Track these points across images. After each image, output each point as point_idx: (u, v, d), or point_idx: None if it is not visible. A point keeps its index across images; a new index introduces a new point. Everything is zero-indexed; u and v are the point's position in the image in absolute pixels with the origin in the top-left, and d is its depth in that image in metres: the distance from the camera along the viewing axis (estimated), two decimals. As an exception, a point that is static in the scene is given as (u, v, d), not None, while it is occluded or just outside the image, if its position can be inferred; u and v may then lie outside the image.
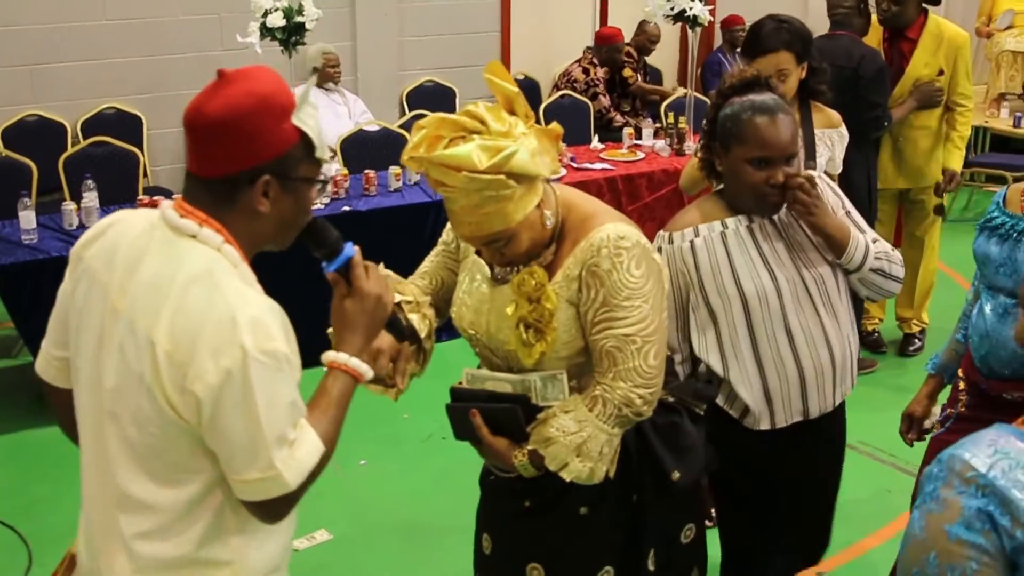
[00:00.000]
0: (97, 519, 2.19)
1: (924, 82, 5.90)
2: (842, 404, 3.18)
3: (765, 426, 3.01)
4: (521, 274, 2.55)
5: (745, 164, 2.89)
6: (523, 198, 2.44)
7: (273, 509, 2.05)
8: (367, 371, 2.21)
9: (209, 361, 1.92)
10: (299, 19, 5.85)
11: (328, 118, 7.92)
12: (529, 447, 2.56)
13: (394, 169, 6.60)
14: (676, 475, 2.67)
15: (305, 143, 2.06)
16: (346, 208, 6.29)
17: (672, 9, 7.04)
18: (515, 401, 2.59)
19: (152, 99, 8.11)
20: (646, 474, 2.67)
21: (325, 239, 2.20)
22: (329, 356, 2.19)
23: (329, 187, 6.35)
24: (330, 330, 2.27)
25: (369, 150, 7.29)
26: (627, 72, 9.20)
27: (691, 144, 7.60)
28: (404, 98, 8.99)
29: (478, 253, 2.66)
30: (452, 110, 7.79)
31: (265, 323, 1.96)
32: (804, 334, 2.97)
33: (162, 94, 8.04)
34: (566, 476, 2.51)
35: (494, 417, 2.60)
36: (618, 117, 9.01)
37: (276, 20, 5.80)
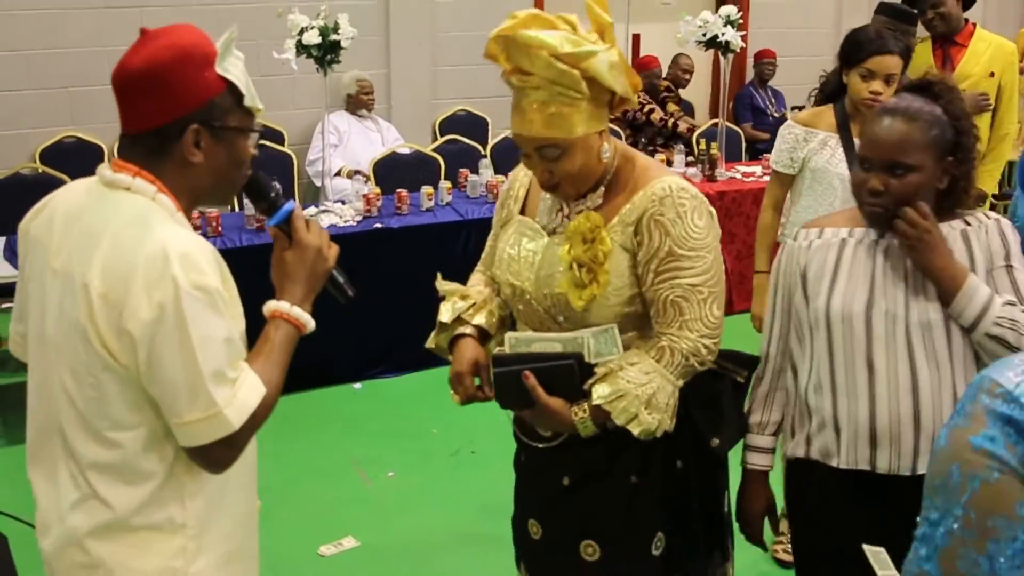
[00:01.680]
0: (41, 471, 2.19)
1: (971, 90, 5.86)
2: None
3: (832, 462, 2.67)
4: (578, 218, 2.57)
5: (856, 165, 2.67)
6: (589, 113, 2.47)
7: (218, 454, 2.05)
8: (308, 321, 2.22)
9: (142, 296, 1.94)
10: (335, 37, 5.89)
11: (361, 144, 8.02)
12: (592, 403, 2.51)
13: (426, 189, 6.63)
14: (715, 442, 2.67)
15: (232, 92, 2.10)
16: (378, 225, 6.32)
17: (704, 35, 7.05)
18: (568, 359, 2.54)
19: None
20: (688, 440, 2.66)
21: (265, 194, 2.25)
22: (271, 305, 2.20)
23: (361, 205, 6.40)
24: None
25: (402, 172, 7.34)
26: (672, 108, 9.18)
27: (723, 171, 7.61)
28: (437, 126, 9.05)
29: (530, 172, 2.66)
30: (485, 141, 7.87)
31: (196, 258, 1.98)
32: (888, 375, 2.58)
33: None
34: (635, 429, 2.48)
35: (547, 377, 2.53)
36: (682, 121, 9.04)
37: (312, 38, 5.85)
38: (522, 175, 2.83)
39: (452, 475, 5.19)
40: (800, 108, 9.18)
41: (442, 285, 2.89)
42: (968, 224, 2.62)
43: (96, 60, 7.68)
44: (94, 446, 2.06)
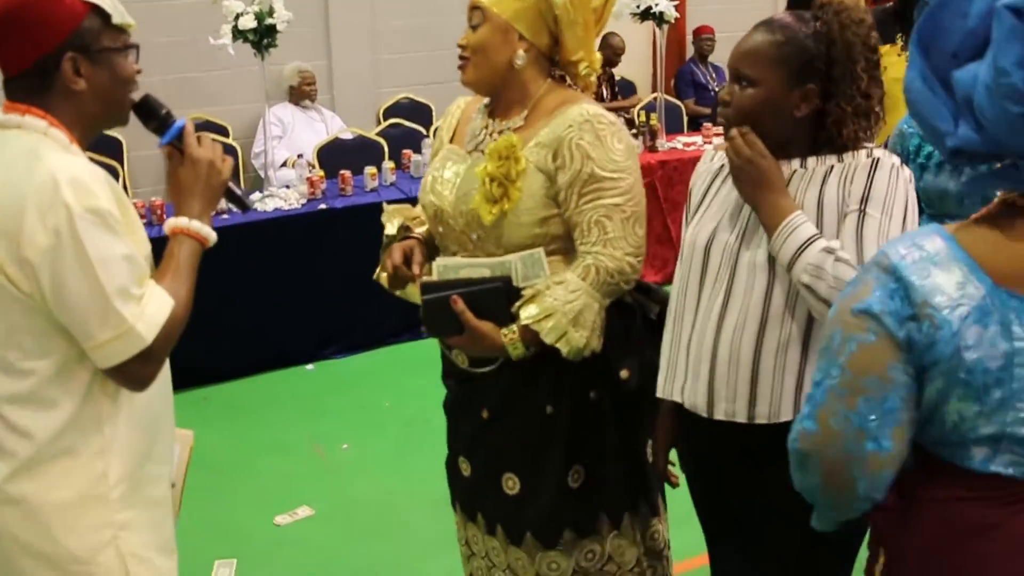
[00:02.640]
0: None
1: None
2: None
3: (665, 392, 2.60)
4: (498, 139, 2.65)
5: None
6: (524, 9, 2.62)
7: (136, 371, 2.09)
8: (210, 234, 2.26)
9: (37, 224, 1.98)
10: (270, 21, 5.93)
11: (306, 134, 8.06)
12: (521, 323, 2.57)
13: (370, 170, 6.68)
14: (624, 373, 2.69)
15: (98, 14, 2.13)
16: (323, 207, 6.35)
17: (638, 7, 7.12)
18: (496, 282, 2.59)
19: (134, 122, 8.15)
20: (599, 371, 2.69)
21: (155, 113, 2.29)
22: (171, 223, 2.24)
23: (305, 188, 6.43)
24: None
25: (346, 156, 7.36)
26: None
27: (663, 142, 7.69)
28: (380, 114, 9.08)
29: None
30: (429, 126, 7.89)
31: (86, 182, 2.02)
32: (704, 310, 2.46)
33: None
34: (563, 348, 2.54)
35: (475, 302, 2.57)
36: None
37: (248, 22, 5.89)
38: (454, 108, 2.92)
39: (406, 444, 5.23)
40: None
41: (387, 207, 2.97)
42: (840, 161, 2.39)
43: None
44: (7, 380, 2.10)
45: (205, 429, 5.21)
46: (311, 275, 6.28)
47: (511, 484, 2.79)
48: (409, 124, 8.43)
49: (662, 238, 7.45)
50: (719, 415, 2.44)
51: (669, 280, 7.63)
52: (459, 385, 2.88)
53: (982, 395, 1.61)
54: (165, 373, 2.30)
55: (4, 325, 2.08)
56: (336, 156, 7.47)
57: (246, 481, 4.93)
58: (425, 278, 2.73)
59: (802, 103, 2.36)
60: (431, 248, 2.86)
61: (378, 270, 2.92)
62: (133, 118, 2.30)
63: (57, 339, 2.08)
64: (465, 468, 2.92)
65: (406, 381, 5.93)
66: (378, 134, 8.09)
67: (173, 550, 2.37)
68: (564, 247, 2.66)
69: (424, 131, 8.25)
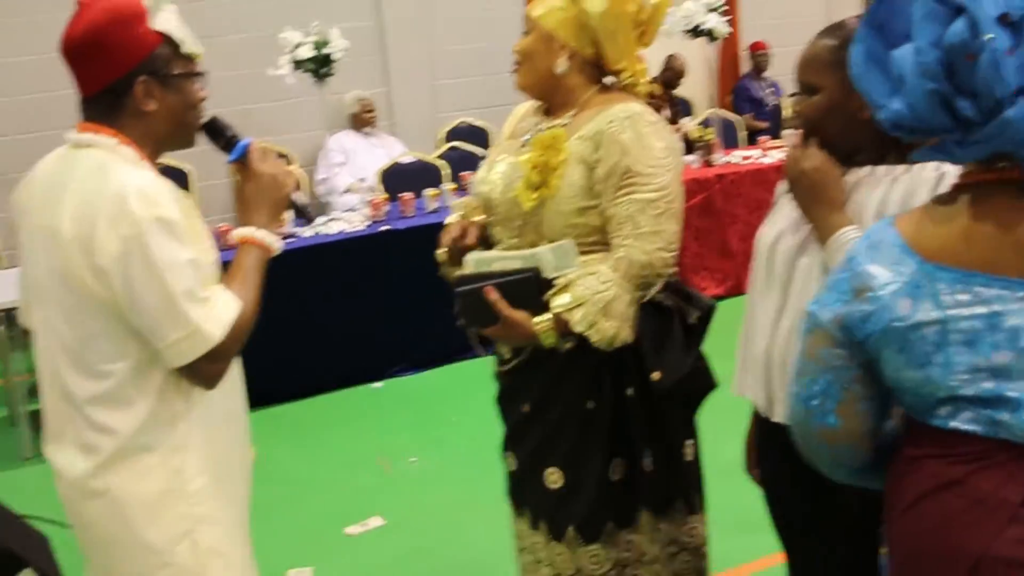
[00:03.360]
0: (52, 429, 2.36)
1: None
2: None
3: (739, 390, 2.63)
4: (545, 131, 2.77)
5: None
6: (571, 22, 2.74)
7: (206, 369, 2.22)
8: (274, 242, 2.38)
9: (109, 233, 2.12)
10: (327, 50, 6.10)
11: (368, 160, 8.22)
12: (552, 312, 2.63)
13: (430, 191, 6.82)
14: (656, 375, 2.72)
15: (169, 43, 2.28)
16: (385, 227, 6.51)
17: (688, 24, 7.23)
18: (527, 272, 2.65)
19: (201, 152, 8.36)
20: (633, 369, 2.75)
21: (222, 133, 2.44)
22: (237, 232, 2.37)
23: (368, 211, 6.59)
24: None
25: (407, 179, 7.54)
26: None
27: (720, 156, 7.76)
28: (440, 139, 9.24)
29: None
30: (487, 148, 8.05)
31: (152, 193, 2.16)
32: (763, 311, 2.48)
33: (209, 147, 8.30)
34: (593, 337, 2.60)
35: (509, 291, 2.64)
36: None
37: (305, 52, 6.07)
38: (517, 109, 3.05)
39: (472, 458, 5.31)
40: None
41: (453, 204, 3.11)
42: (908, 172, 2.32)
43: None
44: (88, 381, 2.24)
45: (277, 445, 5.40)
46: (376, 295, 6.43)
47: (554, 478, 2.85)
48: (468, 147, 8.58)
49: (722, 251, 7.52)
50: (776, 416, 2.46)
51: (730, 292, 7.70)
52: (505, 377, 2.97)
53: (924, 362, 1.74)
54: (237, 378, 2.44)
55: (84, 330, 2.22)
56: (398, 180, 7.64)
57: (318, 494, 5.05)
58: (459, 272, 2.82)
59: (863, 106, 2.20)
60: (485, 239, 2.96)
61: (438, 250, 3.00)
62: (198, 141, 2.44)
63: (132, 342, 2.21)
64: (511, 462, 3.00)
65: (471, 397, 5.99)
66: (438, 157, 8.26)
67: (248, 546, 2.49)
68: (603, 240, 2.72)
69: (483, 153, 8.39)
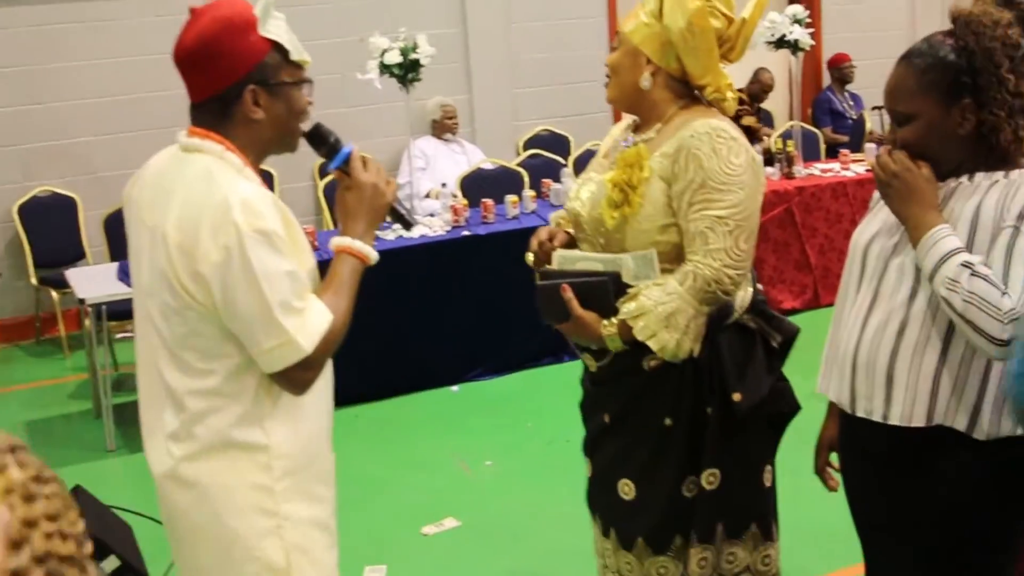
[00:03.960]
0: (146, 418, 2.45)
1: None
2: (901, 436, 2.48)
3: (822, 388, 2.69)
4: (629, 148, 2.82)
5: None
6: (649, 35, 2.80)
7: (296, 377, 2.29)
8: (371, 252, 2.44)
9: (210, 241, 2.19)
10: (414, 56, 6.20)
11: (448, 166, 8.31)
12: (619, 318, 2.71)
13: (511, 198, 6.88)
14: (737, 396, 2.75)
15: (279, 50, 2.33)
16: (466, 233, 6.59)
17: (773, 35, 7.23)
18: (605, 276, 2.74)
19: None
20: (715, 389, 2.78)
21: (325, 140, 2.48)
22: (335, 241, 2.42)
23: (449, 216, 6.67)
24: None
25: (487, 186, 7.63)
26: (748, 121, 9.31)
27: (800, 168, 7.75)
28: (520, 146, 9.32)
29: None
30: (567, 156, 8.14)
31: (255, 205, 2.22)
32: (855, 310, 2.54)
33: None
34: (654, 345, 2.66)
35: (584, 292, 2.73)
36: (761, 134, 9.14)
37: (393, 57, 6.16)
38: (614, 130, 3.11)
39: (548, 462, 5.38)
40: (881, 108, 9.30)
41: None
42: (1007, 177, 2.39)
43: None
44: (186, 378, 2.32)
45: (355, 445, 5.49)
46: (455, 300, 6.51)
47: (627, 490, 2.90)
48: (548, 154, 8.64)
49: (800, 264, 7.50)
50: (859, 412, 2.51)
51: (808, 306, 7.66)
52: (591, 387, 3.03)
53: None
54: (327, 382, 2.50)
55: (183, 330, 2.30)
56: (478, 185, 7.73)
57: (394, 493, 5.14)
58: (544, 268, 2.91)
59: (963, 120, 2.38)
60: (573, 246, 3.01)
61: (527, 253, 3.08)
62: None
63: (228, 345, 2.29)
64: (589, 468, 3.07)
65: (547, 403, 6.10)
66: (518, 164, 8.33)
67: (335, 547, 2.55)
68: (679, 256, 2.77)
69: (563, 161, 8.44)
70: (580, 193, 2.95)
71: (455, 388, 6.55)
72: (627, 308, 2.69)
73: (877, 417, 2.48)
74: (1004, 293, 2.26)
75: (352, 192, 2.45)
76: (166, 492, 2.42)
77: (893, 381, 2.44)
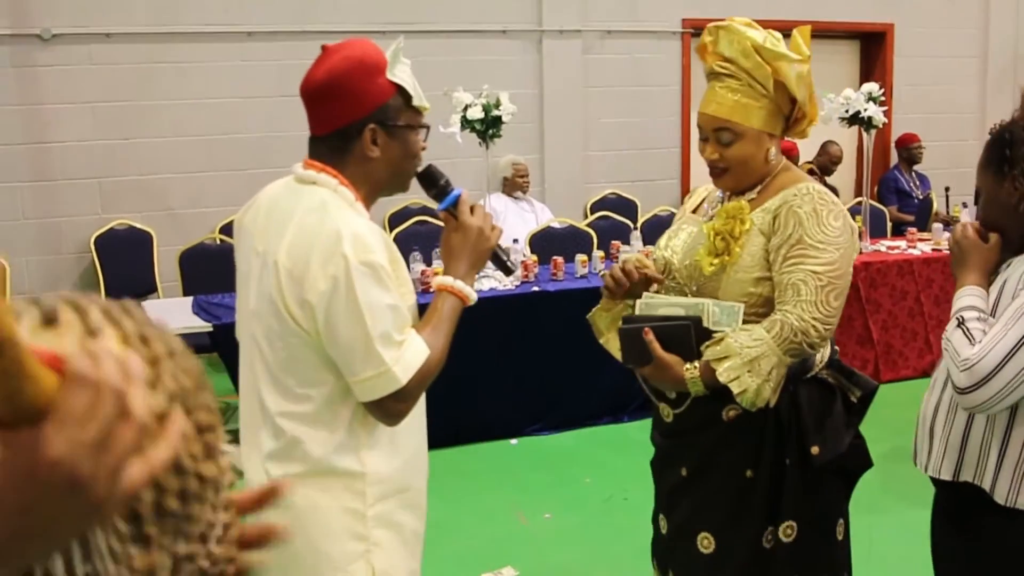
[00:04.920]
0: (246, 435, 2.52)
1: None
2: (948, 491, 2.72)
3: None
4: (730, 202, 2.89)
5: None
6: (769, 112, 2.84)
7: (391, 407, 2.36)
8: (471, 293, 2.53)
9: (319, 270, 2.27)
10: (496, 113, 6.32)
11: (517, 223, 8.40)
12: (703, 360, 2.75)
13: (581, 257, 6.98)
14: (816, 449, 2.79)
15: (402, 94, 2.43)
16: (535, 289, 6.69)
17: (847, 112, 7.29)
18: (687, 320, 2.79)
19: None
20: (794, 441, 2.82)
21: (436, 182, 2.57)
22: (438, 280, 2.52)
23: (519, 271, 6.77)
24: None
25: (556, 244, 7.73)
26: None
27: (867, 244, 7.79)
28: (588, 208, 9.43)
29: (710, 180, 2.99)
30: (635, 220, 8.20)
31: (364, 238, 2.30)
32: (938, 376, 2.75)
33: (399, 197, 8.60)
34: (735, 388, 2.68)
35: (666, 335, 2.78)
36: None
37: (475, 113, 6.29)
38: (700, 190, 3.17)
39: (606, 518, 5.42)
40: (947, 189, 9.34)
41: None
42: None
43: (271, 144, 8.29)
44: (286, 402, 2.40)
45: (419, 489, 5.53)
46: (520, 354, 6.58)
47: (706, 543, 2.93)
48: (617, 217, 8.75)
49: (863, 339, 7.52)
50: (917, 463, 2.70)
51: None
52: (664, 440, 3.07)
53: None
54: (421, 416, 2.59)
55: (285, 354, 2.39)
56: (547, 243, 7.82)
57: (454, 540, 5.18)
58: (626, 313, 2.97)
59: (1013, 191, 2.52)
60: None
61: (599, 306, 3.11)
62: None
63: (327, 373, 2.37)
64: (663, 525, 3.09)
65: (605, 460, 6.14)
66: (587, 225, 8.42)
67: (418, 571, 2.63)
68: (769, 310, 2.82)
69: (631, 224, 8.53)
70: (671, 243, 3.01)
71: (514, 441, 6.62)
72: (712, 351, 2.74)
73: (920, 467, 2.67)
74: (973, 343, 2.42)
75: (458, 234, 2.53)
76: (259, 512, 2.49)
77: (933, 434, 2.62)
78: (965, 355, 2.40)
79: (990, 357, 2.36)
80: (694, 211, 3.12)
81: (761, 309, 2.82)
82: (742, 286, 2.81)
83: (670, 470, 3.04)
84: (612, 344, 3.07)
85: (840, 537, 2.99)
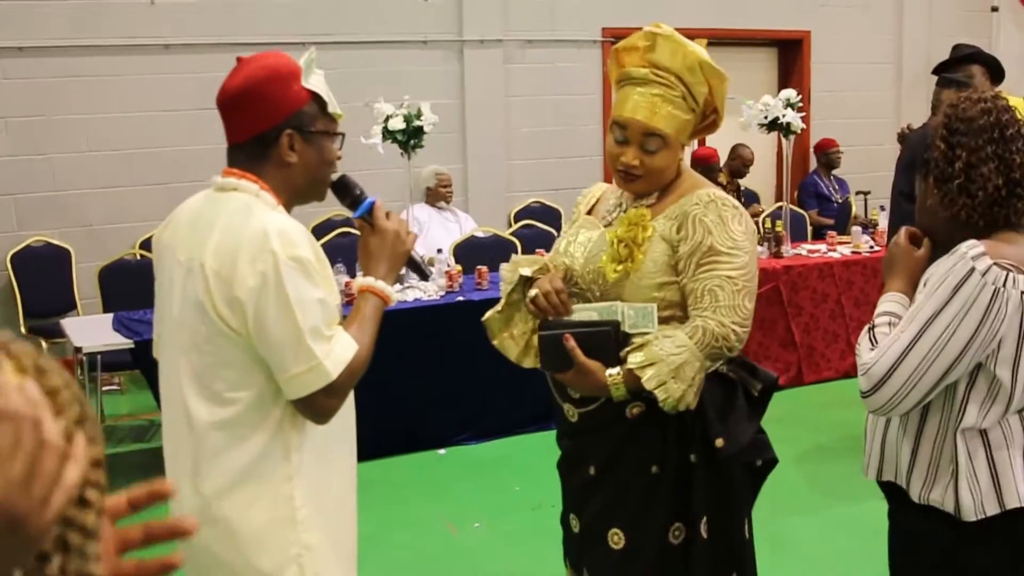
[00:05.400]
0: (170, 450, 2.53)
1: None
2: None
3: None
4: (631, 210, 2.91)
5: None
6: (692, 125, 2.90)
7: (321, 404, 2.37)
8: (392, 293, 2.56)
9: (248, 267, 2.30)
10: (418, 123, 6.32)
11: (441, 234, 8.40)
12: (626, 367, 2.77)
13: (506, 265, 6.95)
14: (720, 442, 2.82)
15: (317, 101, 2.47)
16: (460, 298, 6.68)
17: (766, 118, 7.39)
18: (606, 326, 2.82)
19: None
20: (698, 436, 2.85)
21: (350, 191, 2.60)
22: (359, 281, 2.56)
23: (444, 281, 6.76)
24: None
25: (481, 253, 7.73)
26: None
27: (788, 248, 7.89)
28: (512, 217, 9.45)
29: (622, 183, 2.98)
30: (558, 229, 8.23)
31: (291, 234, 2.34)
32: None
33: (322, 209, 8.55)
34: (661, 395, 2.71)
35: (587, 341, 2.80)
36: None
37: (397, 123, 6.29)
38: (595, 189, 3.19)
39: (536, 525, 5.41)
40: (866, 193, 9.49)
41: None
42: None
43: (191, 157, 8.20)
44: (213, 407, 2.40)
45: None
46: (446, 363, 6.57)
47: (616, 539, 2.95)
48: (541, 226, 8.78)
49: (785, 342, 7.61)
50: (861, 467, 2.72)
51: (791, 383, 7.74)
52: (570, 441, 3.09)
53: None
54: (349, 417, 2.59)
55: (213, 358, 2.39)
56: (471, 253, 7.83)
57: (383, 553, 5.15)
58: (544, 318, 2.95)
59: (941, 202, 2.46)
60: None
61: (494, 309, 3.14)
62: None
63: (257, 374, 2.38)
64: (575, 524, 3.11)
65: (534, 468, 6.13)
66: (511, 234, 8.44)
67: (353, 573, 2.63)
68: (678, 315, 2.87)
69: (555, 232, 8.56)
70: (570, 248, 3.03)
71: (442, 451, 6.60)
72: (636, 358, 2.75)
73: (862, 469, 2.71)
74: (874, 348, 2.45)
75: (375, 238, 2.57)
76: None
77: (865, 437, 2.68)
78: (864, 359, 2.44)
79: (884, 360, 2.38)
80: (589, 212, 3.14)
81: (665, 312, 2.85)
82: (645, 291, 2.85)
83: (578, 469, 3.06)
84: (506, 346, 3.12)
85: (747, 536, 3.03)
